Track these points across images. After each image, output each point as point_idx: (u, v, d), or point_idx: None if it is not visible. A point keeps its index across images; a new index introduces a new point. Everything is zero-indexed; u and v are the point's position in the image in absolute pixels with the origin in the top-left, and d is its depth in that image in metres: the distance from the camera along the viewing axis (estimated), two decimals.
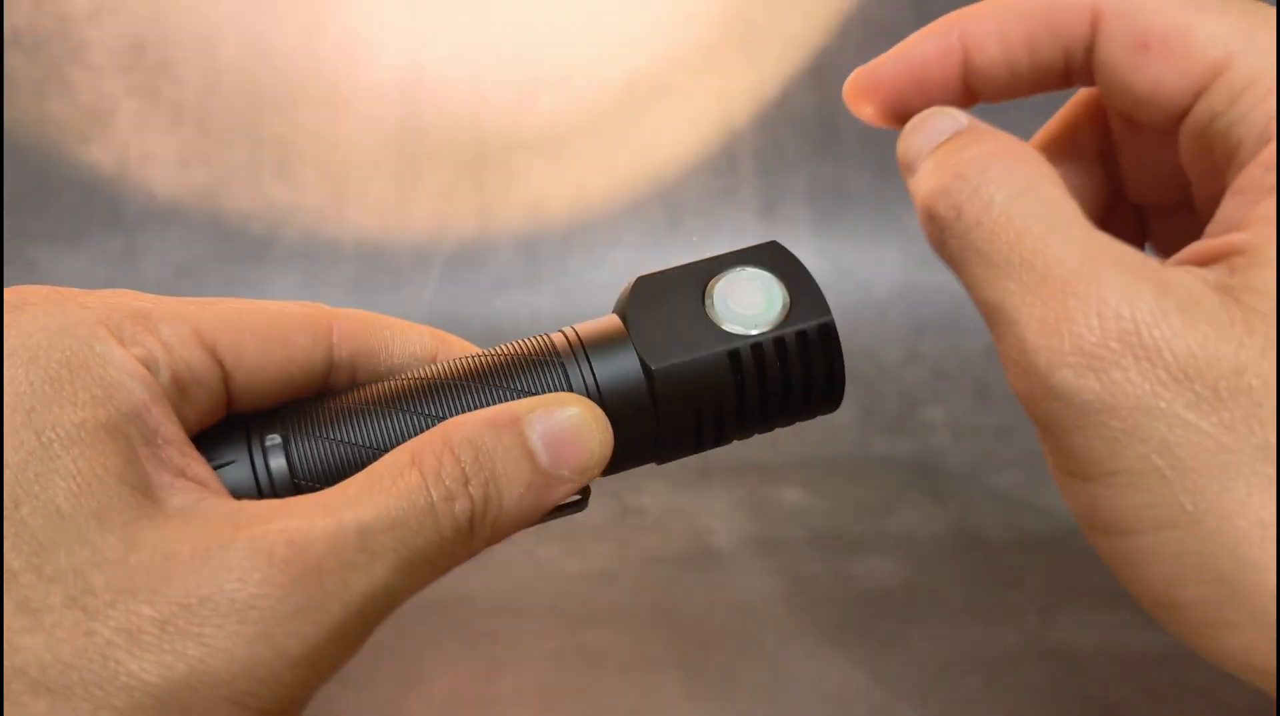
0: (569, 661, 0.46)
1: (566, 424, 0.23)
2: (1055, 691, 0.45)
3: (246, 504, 0.22)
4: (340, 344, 0.27)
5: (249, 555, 0.20)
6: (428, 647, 0.47)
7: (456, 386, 0.25)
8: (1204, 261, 0.21)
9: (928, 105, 0.26)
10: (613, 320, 0.27)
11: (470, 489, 0.22)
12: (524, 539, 0.41)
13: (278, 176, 0.69)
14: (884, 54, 0.26)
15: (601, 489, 0.28)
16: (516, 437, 0.23)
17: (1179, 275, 0.20)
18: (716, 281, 0.27)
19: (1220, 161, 0.24)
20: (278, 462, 0.24)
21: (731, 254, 0.27)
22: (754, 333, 0.26)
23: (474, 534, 0.22)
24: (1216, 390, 0.19)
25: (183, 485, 0.22)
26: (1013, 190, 0.22)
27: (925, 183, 0.23)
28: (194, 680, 0.19)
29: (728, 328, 0.26)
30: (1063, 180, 0.23)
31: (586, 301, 0.68)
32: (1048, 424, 0.20)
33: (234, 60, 0.67)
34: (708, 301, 0.27)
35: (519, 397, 0.25)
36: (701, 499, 0.57)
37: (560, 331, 0.26)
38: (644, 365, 0.25)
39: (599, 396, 0.25)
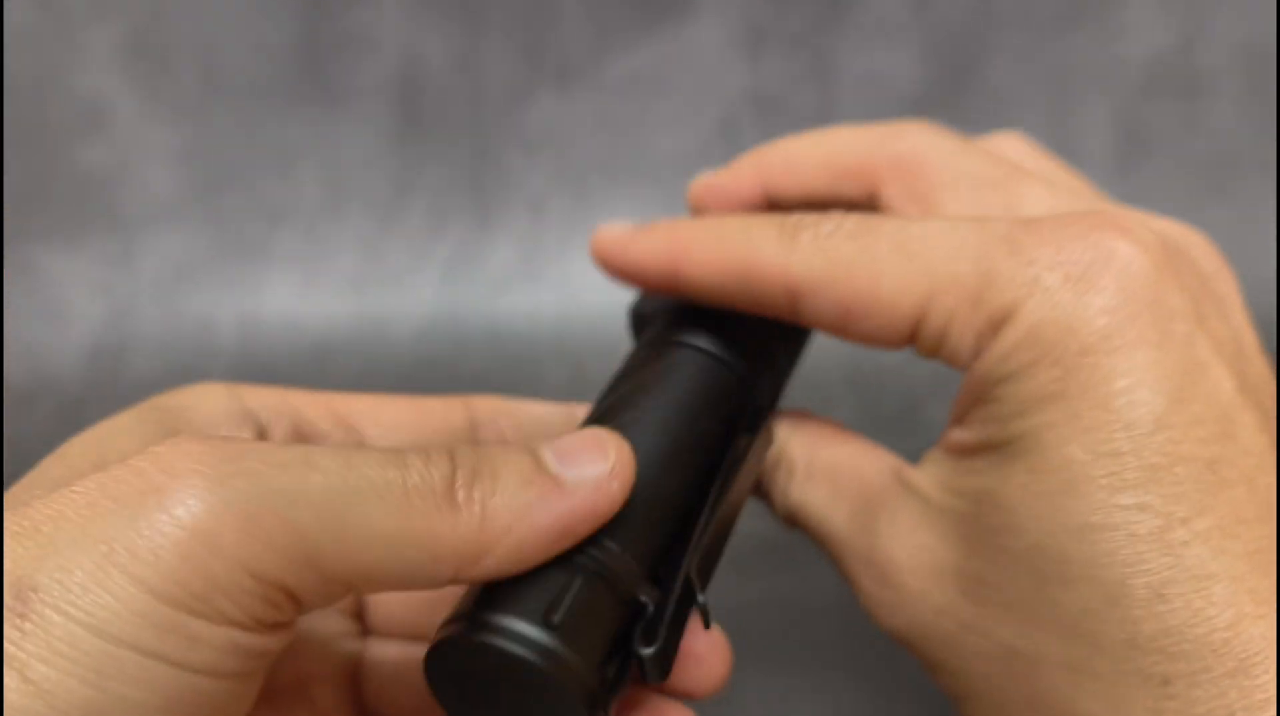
0: None
1: (578, 436, 0.22)
2: None
3: None
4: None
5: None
6: None
7: None
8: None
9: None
10: None
11: (456, 459, 0.20)
12: None
13: (277, 176, 0.69)
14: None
15: None
16: (523, 449, 0.22)
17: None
18: None
19: None
20: None
21: None
22: None
23: (454, 497, 0.19)
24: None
25: None
26: None
27: None
28: None
29: None
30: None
31: (586, 301, 0.68)
32: None
33: (234, 60, 0.67)
34: None
35: None
36: None
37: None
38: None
39: None
